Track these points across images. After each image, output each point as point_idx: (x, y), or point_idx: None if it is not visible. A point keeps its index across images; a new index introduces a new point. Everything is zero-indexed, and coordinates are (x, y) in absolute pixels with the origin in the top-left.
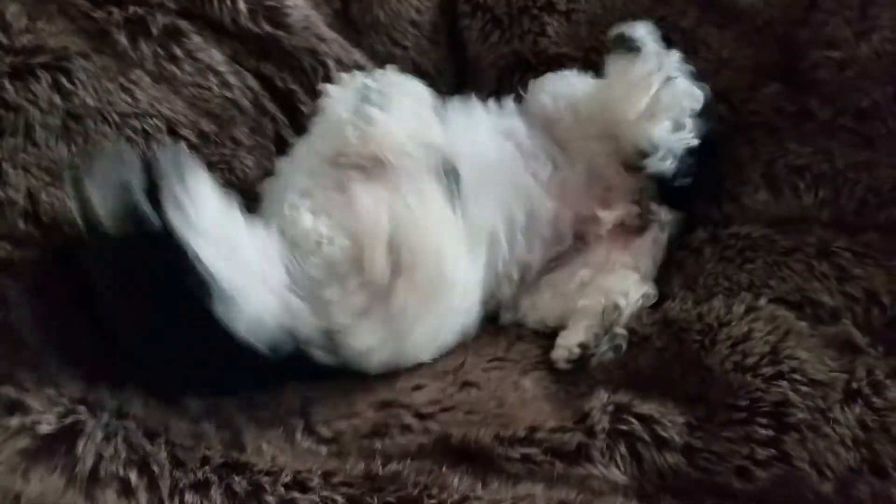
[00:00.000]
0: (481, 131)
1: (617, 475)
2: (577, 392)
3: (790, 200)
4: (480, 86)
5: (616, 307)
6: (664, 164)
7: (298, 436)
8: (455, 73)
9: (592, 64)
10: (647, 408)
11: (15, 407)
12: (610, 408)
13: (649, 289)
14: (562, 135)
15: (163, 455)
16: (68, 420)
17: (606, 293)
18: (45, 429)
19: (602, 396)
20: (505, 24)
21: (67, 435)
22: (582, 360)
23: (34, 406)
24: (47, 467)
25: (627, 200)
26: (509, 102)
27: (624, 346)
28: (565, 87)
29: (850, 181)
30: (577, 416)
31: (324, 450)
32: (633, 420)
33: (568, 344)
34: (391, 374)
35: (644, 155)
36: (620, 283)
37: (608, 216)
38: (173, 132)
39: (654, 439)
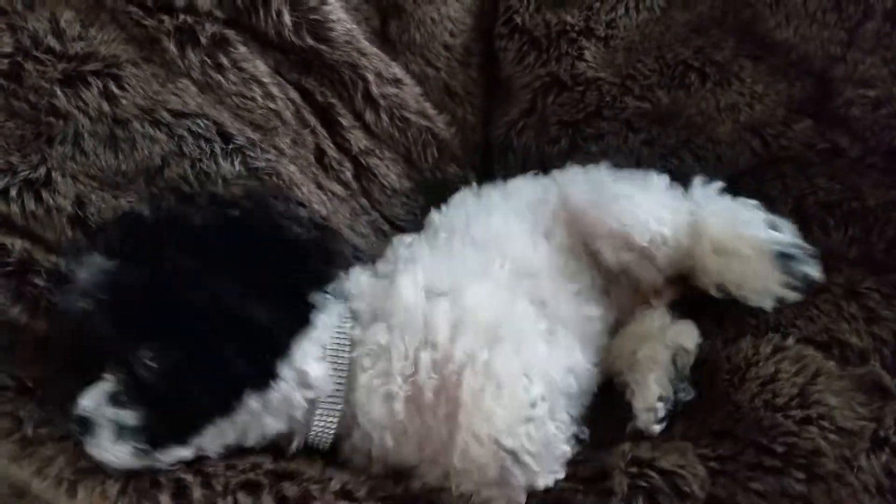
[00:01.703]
0: (520, 227)
1: None
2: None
3: (819, 237)
4: (511, 106)
5: (686, 351)
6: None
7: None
8: (483, 95)
9: (628, 90)
10: (668, 461)
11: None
12: (632, 469)
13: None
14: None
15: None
16: None
17: (670, 340)
18: None
19: (623, 451)
20: (543, 46)
21: None
22: (671, 416)
23: None
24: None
25: (673, 287)
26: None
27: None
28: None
29: (881, 220)
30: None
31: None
32: (654, 475)
33: (648, 405)
34: None
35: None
36: (681, 328)
37: (660, 303)
38: (223, 134)
39: (675, 493)
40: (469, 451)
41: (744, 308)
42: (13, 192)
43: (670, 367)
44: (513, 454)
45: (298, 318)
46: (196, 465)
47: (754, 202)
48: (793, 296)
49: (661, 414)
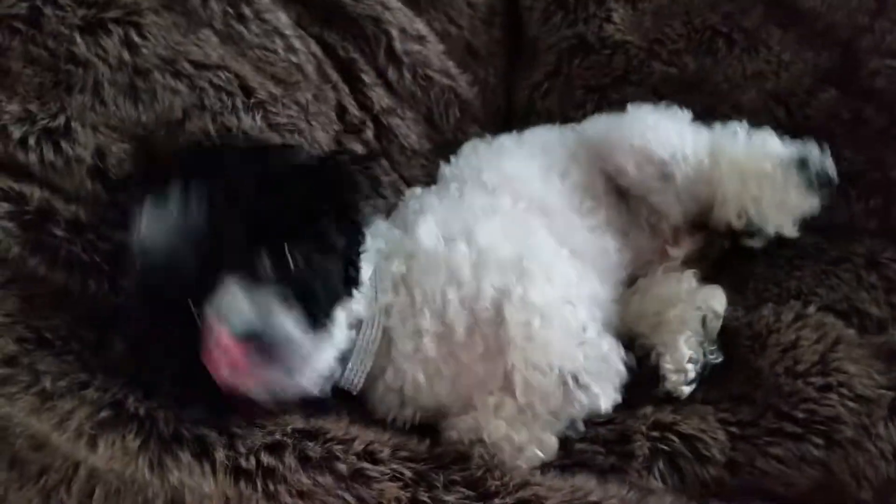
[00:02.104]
0: (533, 169)
1: (655, 485)
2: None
3: (841, 207)
4: (535, 68)
5: (716, 314)
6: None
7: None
8: (506, 56)
9: (655, 55)
10: (689, 425)
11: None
12: (653, 432)
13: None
14: (630, 182)
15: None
16: None
17: (700, 302)
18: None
19: (645, 415)
20: (570, 6)
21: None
22: (700, 378)
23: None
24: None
25: (692, 236)
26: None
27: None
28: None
29: None
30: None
31: None
32: (675, 438)
33: (678, 366)
34: None
35: (750, 235)
36: (710, 291)
37: (678, 252)
38: (245, 88)
39: (696, 457)
40: (531, 382)
41: (766, 275)
42: (31, 141)
43: (700, 329)
44: (574, 376)
45: (357, 238)
46: (222, 423)
47: (768, 129)
48: (812, 201)
49: (692, 375)
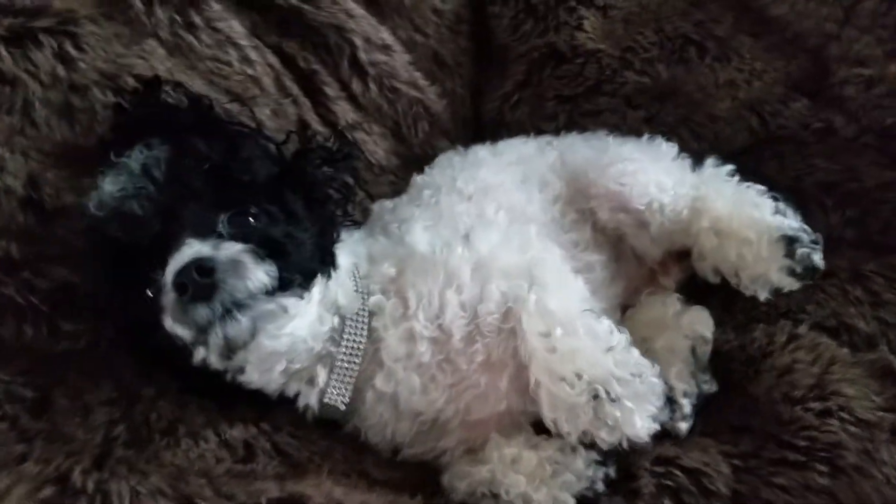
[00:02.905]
0: (511, 179)
1: None
2: None
3: (818, 218)
4: (505, 79)
5: (704, 339)
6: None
7: None
8: (474, 66)
9: (628, 64)
10: (692, 459)
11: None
12: (657, 468)
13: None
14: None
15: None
16: None
17: (687, 328)
18: None
19: (647, 450)
20: (540, 13)
21: None
22: (698, 410)
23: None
24: None
25: (680, 264)
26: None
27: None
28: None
29: (877, 201)
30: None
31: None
32: (679, 473)
33: (676, 401)
34: None
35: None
36: (696, 315)
37: (668, 282)
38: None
39: (700, 491)
40: (558, 395)
41: None
42: None
43: (690, 359)
44: (604, 383)
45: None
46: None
47: (762, 187)
48: (792, 284)
49: (687, 410)
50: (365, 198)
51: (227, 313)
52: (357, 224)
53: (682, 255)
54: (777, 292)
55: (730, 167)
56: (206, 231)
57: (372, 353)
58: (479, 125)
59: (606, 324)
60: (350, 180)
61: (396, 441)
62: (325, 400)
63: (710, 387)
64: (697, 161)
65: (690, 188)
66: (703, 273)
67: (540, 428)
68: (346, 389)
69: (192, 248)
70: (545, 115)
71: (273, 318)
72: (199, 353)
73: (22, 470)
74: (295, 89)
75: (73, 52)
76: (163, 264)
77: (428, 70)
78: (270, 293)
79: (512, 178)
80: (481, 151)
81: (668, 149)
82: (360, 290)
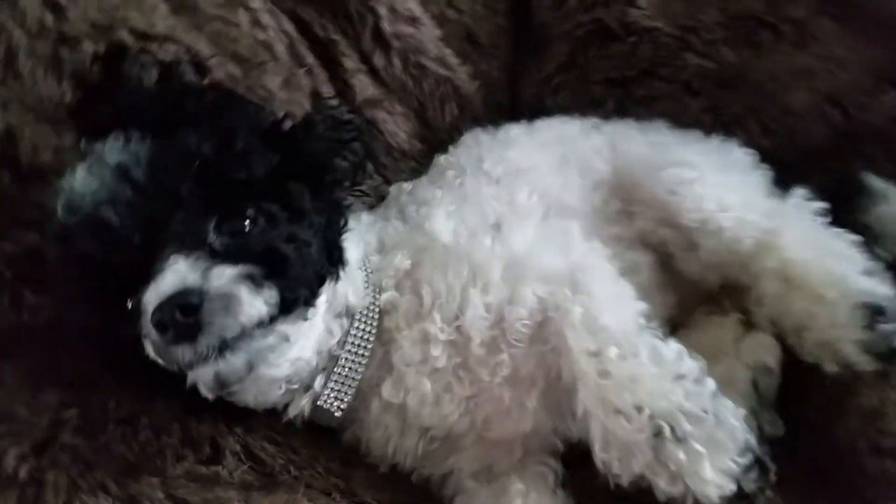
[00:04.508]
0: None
1: None
2: None
3: None
4: (545, 60)
5: (769, 370)
6: None
7: None
8: (511, 47)
9: (688, 45)
10: None
11: None
12: None
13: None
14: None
15: None
16: None
17: (748, 356)
18: None
19: None
20: None
21: None
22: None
23: None
24: None
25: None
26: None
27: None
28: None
29: None
30: None
31: None
32: None
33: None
34: None
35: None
36: (761, 342)
37: (728, 305)
38: (198, 66)
39: None
40: (613, 431)
41: None
42: None
43: (751, 393)
44: (670, 419)
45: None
46: None
47: (855, 237)
48: (867, 363)
49: (746, 461)
50: (382, 183)
51: (217, 352)
52: (365, 195)
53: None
54: (846, 367)
55: (820, 205)
56: (193, 244)
57: (381, 357)
58: (516, 112)
59: (674, 346)
60: (359, 148)
61: (397, 459)
62: (320, 403)
63: (775, 429)
64: (781, 182)
65: (762, 215)
66: (757, 320)
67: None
68: (345, 394)
69: (175, 276)
70: (591, 101)
71: (272, 350)
72: (189, 379)
73: None
74: (310, 58)
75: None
76: (145, 279)
77: (460, 49)
78: (269, 322)
79: (548, 160)
80: (514, 130)
81: (742, 157)
82: (371, 284)
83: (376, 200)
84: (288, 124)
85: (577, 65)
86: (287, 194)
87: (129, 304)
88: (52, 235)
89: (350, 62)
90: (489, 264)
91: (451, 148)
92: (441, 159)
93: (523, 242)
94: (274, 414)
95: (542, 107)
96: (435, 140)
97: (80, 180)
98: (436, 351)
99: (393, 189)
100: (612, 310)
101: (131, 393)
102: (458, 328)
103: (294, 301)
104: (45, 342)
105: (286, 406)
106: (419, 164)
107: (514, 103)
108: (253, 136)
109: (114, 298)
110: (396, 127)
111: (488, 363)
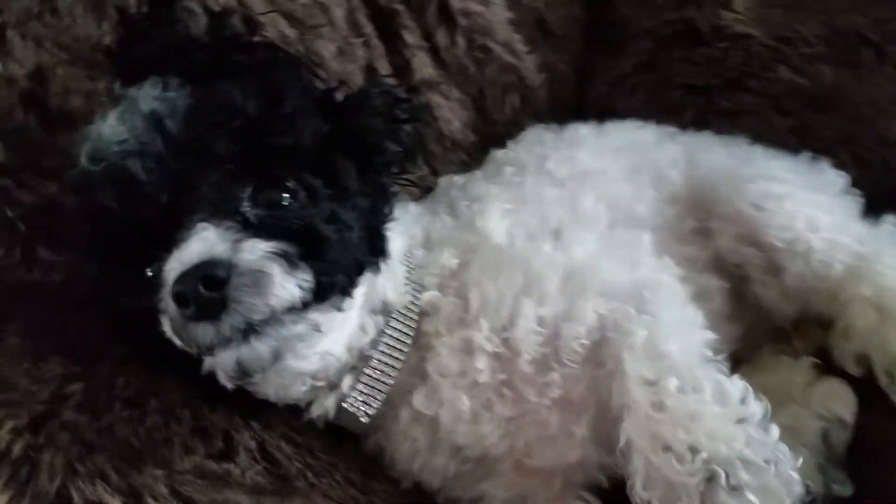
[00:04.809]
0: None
1: None
2: None
3: None
4: (622, 58)
5: (843, 423)
6: None
7: None
8: (584, 40)
9: (783, 57)
10: None
11: None
12: None
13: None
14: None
15: None
16: None
17: (819, 405)
18: None
19: None
20: None
21: None
22: None
23: None
24: None
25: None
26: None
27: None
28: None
29: None
30: None
31: None
32: None
33: None
34: None
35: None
36: (834, 389)
37: (802, 345)
38: (248, 21)
39: None
40: (659, 468)
41: None
42: None
43: (820, 446)
44: (727, 465)
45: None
46: None
47: None
48: None
49: None
50: (429, 174)
51: (241, 335)
52: (412, 185)
53: (823, 323)
54: None
55: None
56: (225, 211)
57: (416, 362)
58: (580, 111)
59: (739, 385)
60: (413, 132)
61: (423, 477)
62: (345, 405)
63: (844, 489)
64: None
65: (854, 240)
66: (840, 357)
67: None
68: (373, 399)
69: (202, 244)
70: (668, 107)
71: (302, 340)
72: (206, 364)
73: None
74: (369, 28)
75: None
76: (167, 246)
77: (529, 35)
78: (301, 308)
79: (619, 166)
80: (583, 129)
81: (834, 179)
82: (412, 281)
83: (420, 192)
84: (341, 94)
85: (657, 66)
86: (333, 169)
87: (149, 272)
88: (71, 184)
89: (411, 37)
90: (547, 273)
91: (509, 143)
92: (499, 154)
93: (586, 252)
94: (294, 411)
95: (611, 108)
96: (490, 133)
97: (109, 127)
98: (479, 363)
99: (442, 181)
100: (677, 336)
101: (141, 370)
102: (505, 340)
103: (330, 288)
104: (55, 304)
105: (309, 404)
106: (470, 157)
107: (579, 101)
108: (303, 99)
109: (131, 262)
110: (451, 114)
111: (536, 382)
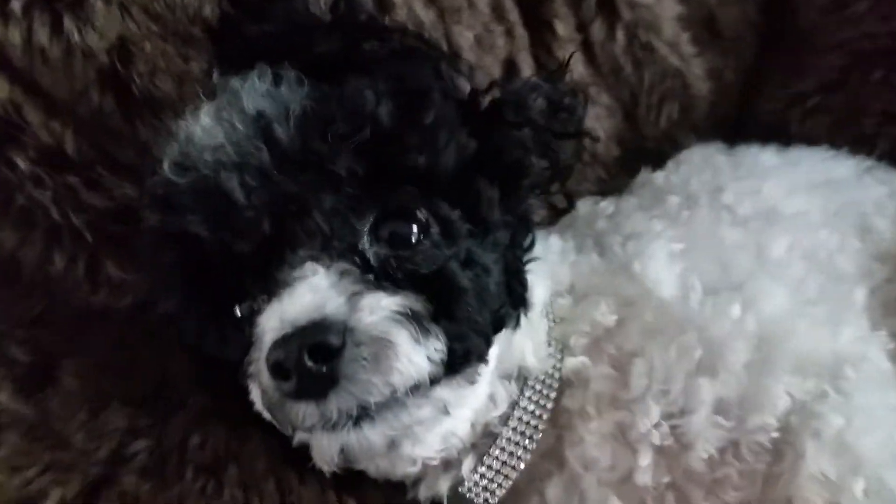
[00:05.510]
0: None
1: None
2: None
3: None
4: (803, 73)
5: None
6: None
7: None
8: (757, 46)
9: None
10: None
11: None
12: None
13: None
14: None
15: None
16: None
17: None
18: None
19: None
20: None
21: None
22: None
23: None
24: None
25: None
26: None
27: None
28: None
29: None
30: None
31: None
32: None
33: None
34: None
35: None
36: None
37: None
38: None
39: None
40: None
41: None
42: (17, 6)
43: None
44: None
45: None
46: None
47: None
48: None
49: None
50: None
51: (352, 420)
52: (555, 210)
53: None
54: None
55: None
56: (340, 248)
57: (551, 444)
58: (741, 129)
59: None
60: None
61: None
62: (462, 490)
63: None
64: None
65: None
66: None
67: None
68: (498, 486)
69: (312, 297)
70: (856, 136)
71: (423, 424)
72: (299, 437)
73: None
74: (514, 15)
75: None
76: (264, 282)
77: (697, 36)
78: (428, 385)
79: (819, 207)
80: (765, 155)
81: None
82: (555, 340)
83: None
84: (489, 98)
85: (847, 87)
86: (475, 198)
87: (238, 310)
88: (151, 198)
89: (563, 27)
90: (732, 344)
91: (670, 163)
92: (657, 177)
93: (778, 313)
94: (396, 486)
95: (782, 131)
96: (636, 147)
97: (203, 127)
98: (642, 460)
99: (583, 207)
100: (874, 429)
101: (220, 426)
102: (674, 429)
103: (464, 357)
104: (121, 336)
105: (416, 481)
106: (608, 174)
107: (740, 118)
108: (448, 106)
109: (218, 296)
110: (596, 122)
111: (705, 482)
